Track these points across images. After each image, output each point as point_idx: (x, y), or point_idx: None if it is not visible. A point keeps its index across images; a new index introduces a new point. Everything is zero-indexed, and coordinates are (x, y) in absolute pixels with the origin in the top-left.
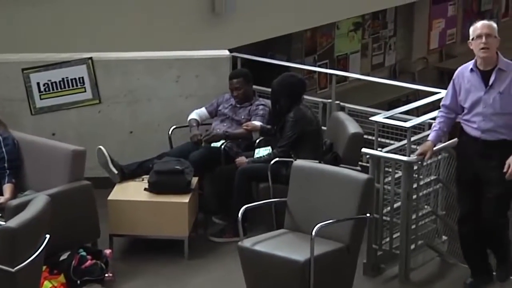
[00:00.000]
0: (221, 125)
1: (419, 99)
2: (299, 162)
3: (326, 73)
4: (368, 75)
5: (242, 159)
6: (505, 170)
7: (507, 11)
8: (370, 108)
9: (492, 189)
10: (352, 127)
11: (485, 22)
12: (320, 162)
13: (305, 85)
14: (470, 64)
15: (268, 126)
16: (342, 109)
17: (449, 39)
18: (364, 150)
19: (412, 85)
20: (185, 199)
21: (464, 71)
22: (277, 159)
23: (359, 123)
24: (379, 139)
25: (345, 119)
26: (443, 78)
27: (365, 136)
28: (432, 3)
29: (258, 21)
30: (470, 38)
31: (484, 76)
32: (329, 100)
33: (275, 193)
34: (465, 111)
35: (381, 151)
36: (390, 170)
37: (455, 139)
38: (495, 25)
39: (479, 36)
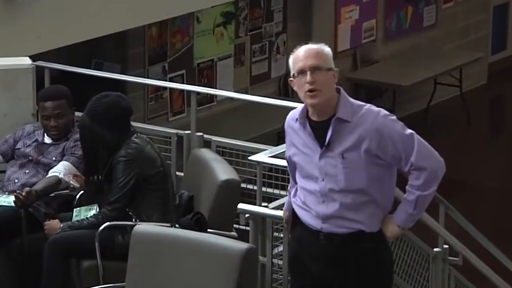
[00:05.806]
0: (21, 173)
1: None
2: (142, 227)
3: (182, 90)
4: (246, 92)
5: (53, 224)
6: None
7: None
8: (249, 143)
9: None
10: (223, 171)
11: (311, 47)
12: (174, 226)
13: (131, 109)
14: (298, 111)
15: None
16: (208, 144)
17: (366, 37)
18: (241, 206)
19: None
20: None
21: (292, 121)
22: (108, 223)
23: (234, 165)
24: (264, 188)
25: (212, 160)
26: (358, 94)
27: (243, 185)
28: None
29: (76, 12)
30: (291, 73)
31: (318, 130)
32: (187, 131)
33: (107, 274)
34: (297, 187)
35: (267, 206)
36: (282, 235)
37: None
38: (328, 49)
39: (301, 72)
